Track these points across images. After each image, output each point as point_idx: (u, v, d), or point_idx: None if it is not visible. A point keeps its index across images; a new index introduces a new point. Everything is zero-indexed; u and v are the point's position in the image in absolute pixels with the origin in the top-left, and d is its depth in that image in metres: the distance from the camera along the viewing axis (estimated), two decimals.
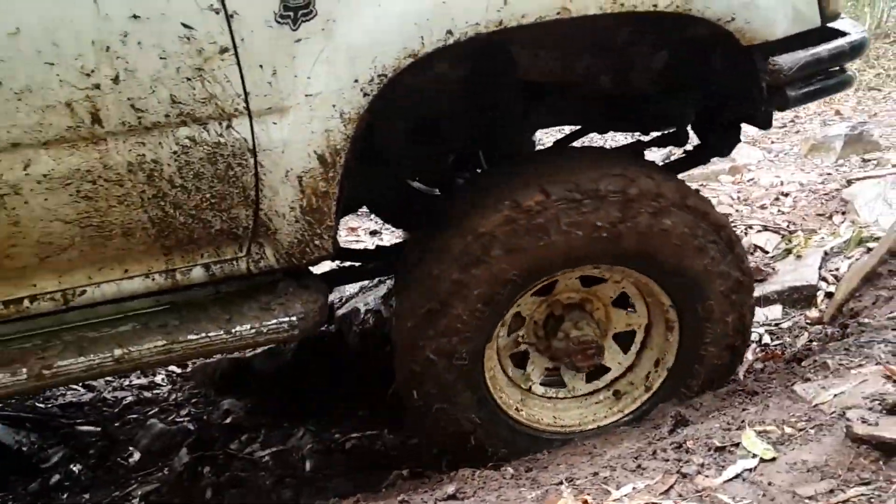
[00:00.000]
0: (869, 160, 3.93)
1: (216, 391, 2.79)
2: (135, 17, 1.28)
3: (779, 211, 3.42)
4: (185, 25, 1.30)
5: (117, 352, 1.49)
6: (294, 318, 1.56)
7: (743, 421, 1.58)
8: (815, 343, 2.04)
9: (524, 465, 1.66)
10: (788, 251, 2.95)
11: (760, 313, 2.53)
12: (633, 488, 1.42)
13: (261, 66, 1.36)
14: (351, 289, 3.34)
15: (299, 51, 1.37)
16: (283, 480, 2.25)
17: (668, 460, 1.50)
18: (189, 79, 1.33)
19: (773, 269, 2.84)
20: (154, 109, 1.33)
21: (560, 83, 1.90)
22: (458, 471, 1.65)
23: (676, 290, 1.75)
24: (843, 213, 3.16)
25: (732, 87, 1.76)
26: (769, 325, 2.58)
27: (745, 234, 3.16)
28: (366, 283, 3.29)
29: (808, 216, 3.25)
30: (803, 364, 1.83)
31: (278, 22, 1.34)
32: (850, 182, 3.44)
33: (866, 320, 1.98)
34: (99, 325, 1.53)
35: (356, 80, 1.41)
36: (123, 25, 1.28)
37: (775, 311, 2.64)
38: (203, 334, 1.52)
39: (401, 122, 1.81)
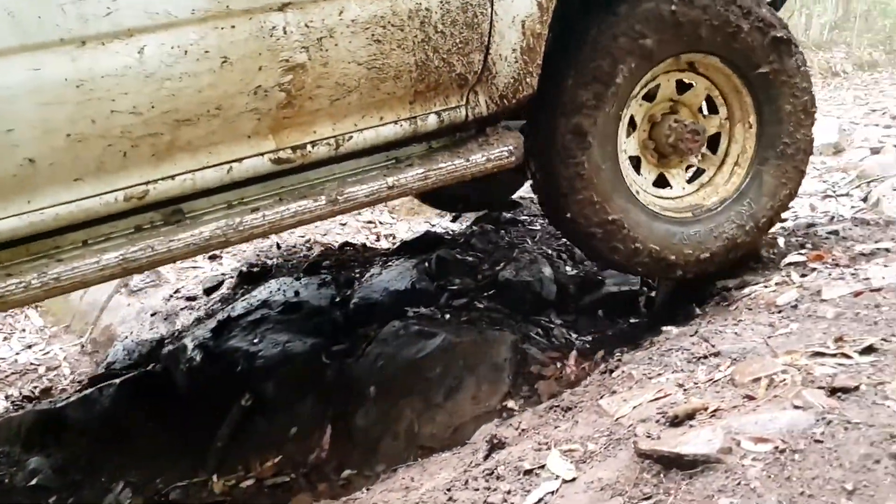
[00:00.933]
0: None
1: (22, 449, 2.50)
2: None
3: None
4: None
5: (390, 180, 1.80)
6: (511, 148, 1.95)
7: (553, 440, 1.60)
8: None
9: None
10: None
11: None
12: None
13: None
14: (184, 320, 3.14)
15: None
16: None
17: (478, 489, 1.49)
18: None
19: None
20: None
21: None
22: None
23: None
24: None
25: None
26: None
27: None
28: (200, 314, 3.11)
29: None
30: (613, 375, 1.88)
31: None
32: None
33: (670, 328, 2.08)
34: (354, 175, 1.81)
35: None
36: None
37: None
38: (449, 163, 1.87)
39: None
